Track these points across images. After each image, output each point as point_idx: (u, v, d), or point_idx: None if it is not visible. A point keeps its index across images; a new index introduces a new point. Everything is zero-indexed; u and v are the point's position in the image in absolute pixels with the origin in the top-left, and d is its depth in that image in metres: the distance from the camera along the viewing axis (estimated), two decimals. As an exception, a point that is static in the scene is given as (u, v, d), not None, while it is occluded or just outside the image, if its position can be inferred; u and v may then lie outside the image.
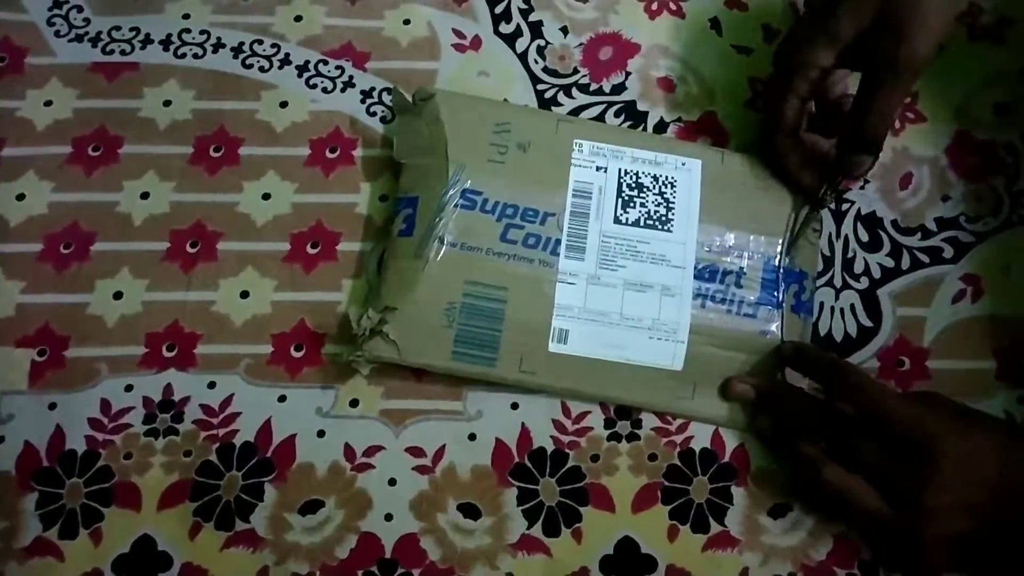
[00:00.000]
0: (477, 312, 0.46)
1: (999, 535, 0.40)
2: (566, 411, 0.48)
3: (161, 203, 0.51)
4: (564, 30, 0.57)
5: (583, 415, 0.48)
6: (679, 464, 0.47)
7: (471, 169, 0.48)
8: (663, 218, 0.49)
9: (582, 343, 0.47)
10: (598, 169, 0.49)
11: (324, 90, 0.54)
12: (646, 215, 0.49)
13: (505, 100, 0.54)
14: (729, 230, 0.49)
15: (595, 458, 0.47)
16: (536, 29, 0.57)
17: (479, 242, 0.47)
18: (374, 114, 0.54)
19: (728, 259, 0.49)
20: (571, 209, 0.48)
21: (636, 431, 0.48)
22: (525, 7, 0.57)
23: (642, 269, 0.48)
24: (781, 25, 0.57)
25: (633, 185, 0.49)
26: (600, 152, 0.50)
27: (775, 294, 0.48)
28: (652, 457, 0.47)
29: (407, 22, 0.56)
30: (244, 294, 0.49)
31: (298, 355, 0.48)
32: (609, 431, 0.48)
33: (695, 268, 0.48)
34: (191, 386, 0.47)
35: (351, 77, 0.55)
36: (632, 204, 0.49)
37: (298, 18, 0.56)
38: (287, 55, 0.55)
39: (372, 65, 0.55)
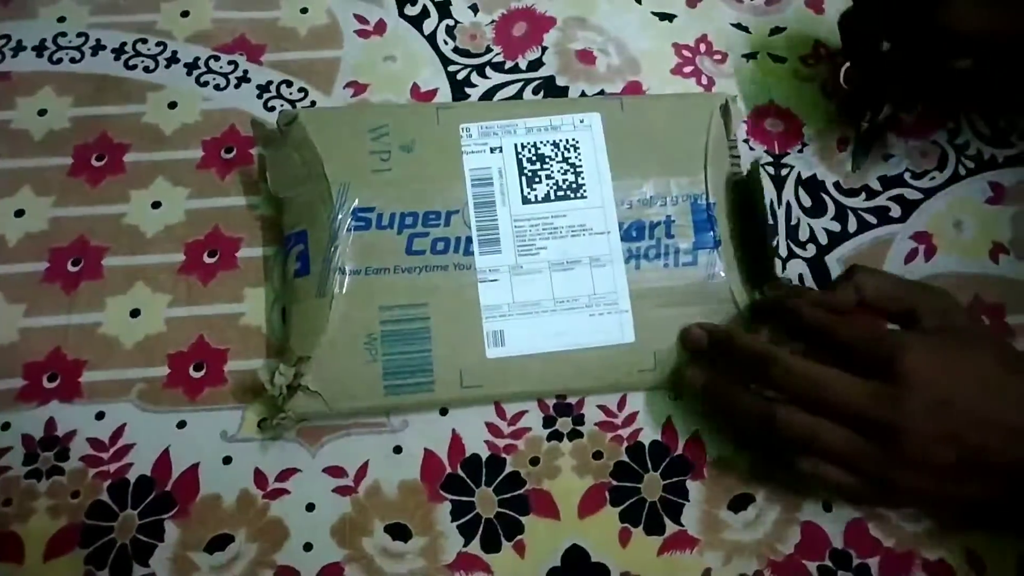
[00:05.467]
0: (400, 337, 0.42)
1: (985, 476, 0.37)
2: (500, 412, 0.44)
3: (38, 220, 0.46)
4: (474, 8, 0.53)
5: (519, 415, 0.44)
6: (627, 461, 0.43)
7: (356, 185, 0.44)
8: (573, 185, 0.45)
9: (521, 341, 0.43)
10: (492, 151, 0.45)
11: (216, 87, 0.50)
12: (555, 187, 0.45)
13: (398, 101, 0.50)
14: (645, 180, 0.45)
15: (535, 461, 0.43)
16: (444, 9, 0.53)
17: (384, 262, 0.43)
18: (272, 108, 0.50)
19: (652, 211, 0.45)
20: (474, 201, 0.44)
21: (578, 427, 0.43)
22: (431, -14, 0.54)
23: (564, 245, 0.44)
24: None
25: (534, 158, 0.46)
26: (490, 131, 0.46)
27: (710, 233, 0.45)
28: (597, 455, 0.43)
29: (304, 10, 0.53)
30: (134, 312, 0.45)
31: (198, 375, 0.44)
32: (549, 430, 0.43)
33: (620, 229, 0.45)
34: (77, 419, 0.42)
35: (246, 72, 0.51)
36: (538, 179, 0.45)
37: (185, 13, 0.52)
38: (174, 53, 0.51)
39: (268, 58, 0.51)
